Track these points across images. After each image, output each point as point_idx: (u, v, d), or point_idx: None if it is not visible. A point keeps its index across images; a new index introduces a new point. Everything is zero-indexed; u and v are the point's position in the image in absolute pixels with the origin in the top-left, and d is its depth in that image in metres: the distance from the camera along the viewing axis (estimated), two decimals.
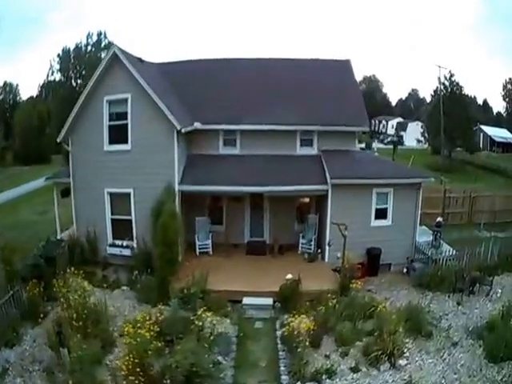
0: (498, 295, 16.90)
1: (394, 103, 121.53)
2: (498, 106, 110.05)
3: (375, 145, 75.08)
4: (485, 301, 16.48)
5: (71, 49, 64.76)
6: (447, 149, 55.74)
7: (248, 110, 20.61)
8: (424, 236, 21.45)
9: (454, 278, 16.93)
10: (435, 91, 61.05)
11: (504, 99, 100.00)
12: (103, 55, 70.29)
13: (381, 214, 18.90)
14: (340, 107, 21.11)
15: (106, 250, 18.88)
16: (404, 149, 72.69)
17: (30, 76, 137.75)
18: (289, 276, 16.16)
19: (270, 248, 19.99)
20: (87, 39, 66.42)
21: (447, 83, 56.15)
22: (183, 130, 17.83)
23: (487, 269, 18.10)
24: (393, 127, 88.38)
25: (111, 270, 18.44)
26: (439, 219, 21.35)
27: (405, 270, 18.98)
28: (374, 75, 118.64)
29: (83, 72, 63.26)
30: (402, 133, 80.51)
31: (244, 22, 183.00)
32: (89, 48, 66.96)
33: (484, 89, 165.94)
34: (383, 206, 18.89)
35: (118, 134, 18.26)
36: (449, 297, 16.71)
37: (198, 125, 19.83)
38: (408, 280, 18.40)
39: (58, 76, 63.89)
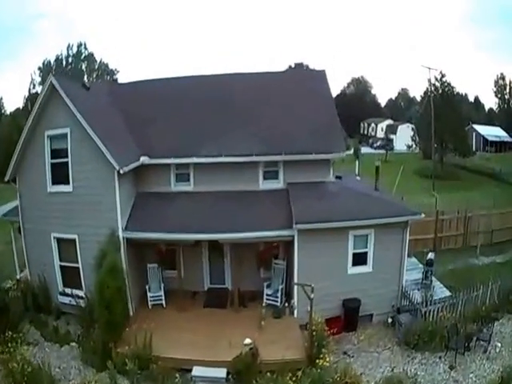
0: (498, 350, 14.51)
1: (383, 103, 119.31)
2: (490, 102, 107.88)
3: (364, 150, 72.94)
4: (482, 359, 14.02)
5: (52, 61, 64.74)
6: (439, 153, 53.24)
7: (203, 139, 17.95)
8: (413, 272, 19.06)
9: (446, 335, 14.37)
10: (425, 93, 58.74)
11: (496, 95, 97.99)
12: (84, 66, 70.61)
13: (359, 259, 16.13)
14: (312, 130, 18.23)
15: (58, 297, 17.11)
16: (395, 153, 70.45)
17: (16, 87, 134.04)
18: (247, 341, 13.56)
19: (232, 298, 17.22)
20: (67, 51, 65.71)
21: (438, 84, 53.81)
22: (122, 171, 15.45)
23: (485, 316, 15.81)
24: (382, 130, 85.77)
25: (64, 319, 16.84)
26: (430, 255, 18.73)
27: (389, 321, 16.34)
28: (362, 76, 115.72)
29: None
30: (392, 136, 77.96)
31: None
32: (70, 59, 65.87)
33: (474, 85, 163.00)
34: (362, 251, 16.11)
35: (60, 174, 16.28)
36: (440, 358, 14.15)
37: (145, 159, 17.40)
38: (392, 334, 15.80)
39: (39, 88, 62.05)
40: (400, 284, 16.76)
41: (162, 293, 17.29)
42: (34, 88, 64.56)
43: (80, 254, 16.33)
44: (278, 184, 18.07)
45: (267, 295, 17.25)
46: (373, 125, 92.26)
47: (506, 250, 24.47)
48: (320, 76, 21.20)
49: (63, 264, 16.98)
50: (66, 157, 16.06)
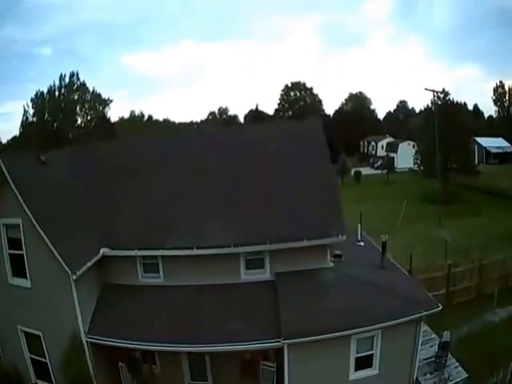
0: None
1: (382, 116, 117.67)
2: (490, 110, 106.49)
3: (364, 170, 71.33)
4: None
5: (45, 92, 63.58)
6: (442, 173, 50.95)
7: (174, 225, 15.64)
8: (426, 346, 16.97)
9: None
10: (426, 109, 57.23)
11: (495, 103, 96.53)
12: (76, 97, 69.70)
13: (363, 361, 13.96)
14: (304, 208, 15.68)
15: None
16: (397, 172, 68.76)
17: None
18: None
19: None
20: (60, 81, 65.16)
21: (439, 102, 52.20)
22: (76, 276, 13.59)
23: None
24: (383, 148, 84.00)
25: None
26: (445, 336, 16.70)
27: None
28: (360, 92, 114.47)
29: (61, 115, 62.28)
30: (393, 154, 76.18)
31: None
32: (62, 90, 65.03)
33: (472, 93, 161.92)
34: (367, 353, 13.94)
35: (18, 266, 14.76)
36: None
37: (106, 251, 15.15)
38: None
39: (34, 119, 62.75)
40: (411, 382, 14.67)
41: None
42: (27, 120, 63.29)
43: (47, 351, 14.93)
44: (263, 274, 15.42)
45: None
46: (373, 143, 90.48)
47: None
48: (314, 129, 18.42)
49: (33, 357, 15.55)
50: (21, 249, 14.59)
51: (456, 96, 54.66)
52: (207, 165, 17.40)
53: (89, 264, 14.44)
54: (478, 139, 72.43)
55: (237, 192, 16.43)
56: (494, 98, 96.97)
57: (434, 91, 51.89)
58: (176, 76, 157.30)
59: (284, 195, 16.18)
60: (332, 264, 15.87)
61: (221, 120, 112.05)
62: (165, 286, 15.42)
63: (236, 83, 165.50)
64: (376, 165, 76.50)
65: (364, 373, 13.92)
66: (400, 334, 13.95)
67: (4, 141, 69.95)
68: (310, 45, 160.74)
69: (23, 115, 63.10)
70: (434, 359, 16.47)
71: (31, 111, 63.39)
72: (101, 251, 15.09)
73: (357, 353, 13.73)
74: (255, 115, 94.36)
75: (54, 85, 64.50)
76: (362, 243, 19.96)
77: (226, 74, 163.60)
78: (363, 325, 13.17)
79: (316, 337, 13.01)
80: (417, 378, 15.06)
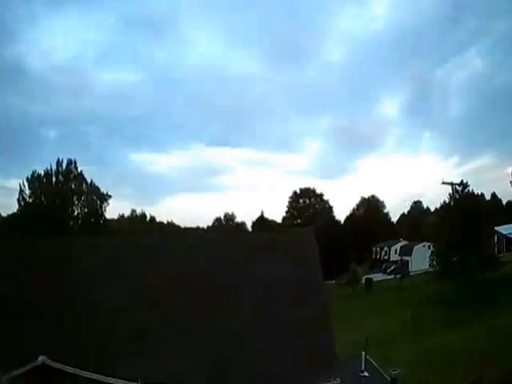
0: None
1: (395, 218, 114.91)
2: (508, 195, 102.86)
3: (376, 276, 67.78)
4: None
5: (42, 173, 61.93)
6: (462, 272, 46.70)
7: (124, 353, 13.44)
8: None
9: None
10: (443, 207, 54.52)
11: None
12: (73, 186, 68.38)
13: None
14: (285, 345, 13.05)
15: None
16: (411, 276, 64.79)
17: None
18: None
19: None
20: (57, 166, 63.63)
21: (457, 195, 49.92)
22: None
23: None
24: (396, 252, 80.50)
25: None
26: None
27: None
28: (373, 196, 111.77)
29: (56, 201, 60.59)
30: (407, 258, 72.64)
31: None
32: (59, 176, 63.61)
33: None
34: None
35: None
36: None
37: (44, 360, 12.81)
38: None
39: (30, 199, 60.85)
40: None
41: None
42: (23, 199, 61.07)
43: None
44: None
45: None
46: (386, 248, 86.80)
47: None
48: (305, 244, 16.41)
49: None
50: None
51: (473, 187, 51.53)
52: (169, 283, 15.43)
53: (22, 370, 12.67)
54: (497, 228, 68.81)
55: (201, 323, 13.98)
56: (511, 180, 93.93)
57: (452, 184, 49.93)
58: (184, 180, 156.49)
59: (261, 328, 13.62)
60: None
61: (227, 226, 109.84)
62: None
63: (245, 190, 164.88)
64: (389, 270, 72.62)
65: None
66: None
67: (4, 214, 70.04)
68: (320, 150, 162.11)
69: (19, 193, 61.10)
70: None
71: (27, 191, 61.48)
72: (40, 359, 12.89)
73: None
74: (260, 223, 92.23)
75: (51, 169, 63.11)
76: (366, 373, 16.65)
77: (236, 180, 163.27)
78: None
79: None
80: None
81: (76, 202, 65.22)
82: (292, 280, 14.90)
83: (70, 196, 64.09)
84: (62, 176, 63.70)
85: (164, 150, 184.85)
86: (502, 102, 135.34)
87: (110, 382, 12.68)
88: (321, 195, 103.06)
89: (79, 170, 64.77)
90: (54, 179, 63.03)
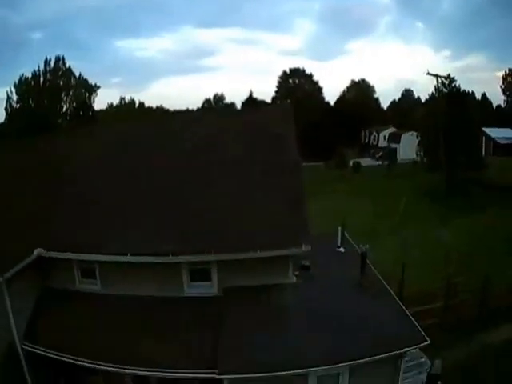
0: None
1: (386, 105, 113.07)
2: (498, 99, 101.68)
3: (365, 161, 68.01)
4: None
5: (29, 77, 61.37)
6: (447, 168, 47.10)
7: (111, 229, 13.47)
8: (414, 373, 13.91)
9: None
10: (430, 100, 53.49)
11: (504, 93, 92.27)
12: (61, 83, 66.84)
13: None
14: (260, 212, 12.97)
15: None
16: (399, 164, 65.18)
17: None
18: None
19: None
20: (45, 66, 62.70)
21: (445, 90, 48.44)
22: (3, 279, 11.78)
23: None
24: (385, 139, 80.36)
25: None
26: (436, 367, 13.47)
27: None
28: (363, 80, 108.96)
29: (45, 101, 60.22)
30: (395, 145, 72.67)
31: None
32: (48, 75, 63.15)
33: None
34: None
35: None
36: None
37: (40, 252, 13.04)
38: None
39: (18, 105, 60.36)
40: None
41: None
42: (10, 106, 60.67)
43: None
44: (210, 288, 12.93)
45: None
46: (374, 133, 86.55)
47: None
48: (282, 123, 15.91)
49: None
50: None
51: (463, 85, 50.46)
52: (152, 163, 15.57)
53: (20, 266, 12.72)
54: (486, 130, 68.45)
55: (182, 195, 14.09)
56: (502, 87, 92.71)
57: (437, 76, 48.33)
58: (173, 63, 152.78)
59: (237, 198, 13.68)
60: (295, 279, 12.81)
61: (217, 108, 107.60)
62: (102, 294, 13.42)
63: (235, 71, 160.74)
64: (377, 155, 73.24)
65: None
66: (375, 371, 10.85)
67: None
68: (311, 31, 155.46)
69: (7, 101, 60.59)
70: None
71: (15, 97, 60.88)
72: (35, 252, 13.11)
73: None
74: (249, 103, 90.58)
75: (39, 70, 62.03)
76: (342, 249, 16.52)
77: (226, 61, 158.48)
78: (322, 363, 10.26)
79: (258, 374, 10.13)
80: None
81: (64, 98, 64.38)
82: (265, 158, 14.90)
83: (58, 93, 62.93)
84: (50, 74, 62.59)
85: (152, 34, 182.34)
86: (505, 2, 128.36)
87: (100, 259, 12.92)
88: (310, 76, 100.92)
89: (67, 66, 63.77)
90: (41, 79, 61.78)
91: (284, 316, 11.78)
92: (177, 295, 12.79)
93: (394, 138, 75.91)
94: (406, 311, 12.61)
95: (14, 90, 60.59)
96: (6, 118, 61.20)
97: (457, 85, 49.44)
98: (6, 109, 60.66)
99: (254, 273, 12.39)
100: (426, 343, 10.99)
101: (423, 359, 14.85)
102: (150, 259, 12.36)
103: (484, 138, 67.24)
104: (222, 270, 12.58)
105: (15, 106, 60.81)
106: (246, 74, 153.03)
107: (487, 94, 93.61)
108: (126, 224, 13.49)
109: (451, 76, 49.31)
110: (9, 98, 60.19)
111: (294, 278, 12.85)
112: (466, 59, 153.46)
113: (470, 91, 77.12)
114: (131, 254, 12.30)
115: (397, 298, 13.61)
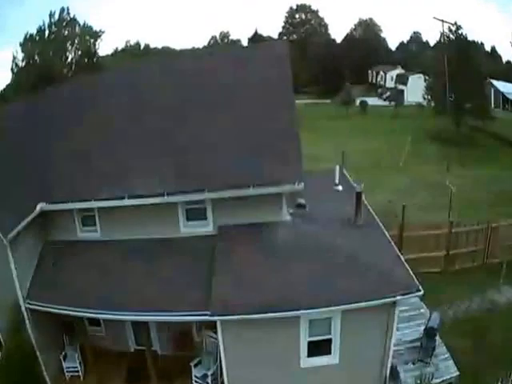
0: None
1: (394, 47, 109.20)
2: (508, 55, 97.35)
3: (372, 101, 66.60)
4: None
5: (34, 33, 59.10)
6: (454, 114, 45.85)
7: (108, 173, 13.31)
8: (411, 324, 13.92)
9: None
10: (438, 44, 51.68)
11: None
12: (66, 33, 64.82)
13: (320, 347, 10.82)
14: (254, 150, 12.65)
15: None
16: (405, 106, 63.58)
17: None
18: None
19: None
20: (50, 18, 60.35)
21: (452, 36, 46.67)
22: (7, 241, 11.49)
23: None
24: (392, 79, 78.23)
25: None
26: (433, 320, 13.08)
27: None
28: (370, 19, 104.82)
29: (50, 53, 58.47)
30: (403, 87, 70.81)
31: None
32: (53, 28, 60.86)
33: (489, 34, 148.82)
34: (323, 337, 10.76)
35: None
36: None
37: (43, 206, 12.86)
38: None
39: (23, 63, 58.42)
40: (383, 378, 11.40)
41: (77, 364, 13.71)
42: (16, 66, 58.58)
43: None
44: (206, 227, 12.85)
45: (196, 377, 12.43)
46: (382, 73, 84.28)
47: None
48: (277, 60, 15.08)
49: None
50: None
51: (473, 35, 49.04)
52: (145, 99, 15.13)
53: (23, 223, 12.46)
54: (495, 83, 66.31)
55: (176, 132, 13.74)
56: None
57: (443, 21, 46.61)
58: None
59: (231, 135, 13.36)
60: (289, 217, 12.64)
61: (222, 45, 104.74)
62: (102, 241, 13.48)
63: (240, 6, 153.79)
64: (384, 96, 71.73)
65: (320, 360, 11.04)
66: (367, 317, 10.68)
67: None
68: None
69: (12, 61, 58.26)
70: (419, 344, 12.99)
71: (20, 56, 58.52)
72: (38, 207, 12.88)
73: (309, 336, 10.74)
74: (255, 39, 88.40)
75: (44, 24, 59.48)
76: (340, 187, 16.01)
77: None
78: (314, 306, 10.16)
79: (252, 316, 10.10)
80: (395, 367, 11.98)
81: (70, 48, 62.18)
82: (260, 95, 14.30)
83: (63, 44, 60.72)
84: (55, 26, 60.24)
85: None
86: None
87: (98, 205, 12.82)
88: (317, 11, 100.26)
89: (72, 15, 61.32)
90: (46, 33, 59.44)
91: (276, 253, 11.56)
92: (173, 236, 12.84)
93: (402, 79, 73.89)
94: (402, 258, 12.22)
95: (19, 49, 58.38)
96: (12, 79, 59.22)
97: (464, 33, 47.96)
98: (12, 69, 58.58)
99: (248, 211, 12.28)
100: (419, 293, 10.60)
101: (422, 310, 14.77)
102: (147, 201, 12.18)
103: (493, 90, 65.34)
104: (218, 208, 12.50)
105: (21, 64, 58.57)
106: (252, 11, 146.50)
107: (498, 49, 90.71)
108: (124, 169, 13.20)
109: (458, 24, 47.90)
110: (14, 59, 58.14)
111: (289, 216, 12.66)
112: (478, 8, 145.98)
113: (480, 42, 74.86)
114: (128, 197, 12.20)
115: (392, 243, 13.18)
